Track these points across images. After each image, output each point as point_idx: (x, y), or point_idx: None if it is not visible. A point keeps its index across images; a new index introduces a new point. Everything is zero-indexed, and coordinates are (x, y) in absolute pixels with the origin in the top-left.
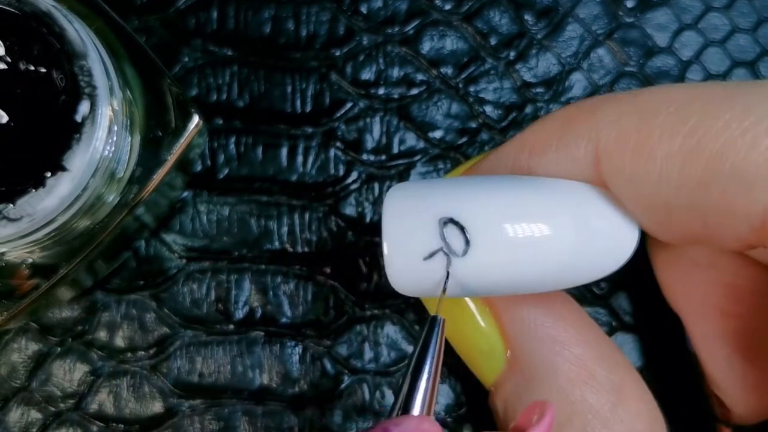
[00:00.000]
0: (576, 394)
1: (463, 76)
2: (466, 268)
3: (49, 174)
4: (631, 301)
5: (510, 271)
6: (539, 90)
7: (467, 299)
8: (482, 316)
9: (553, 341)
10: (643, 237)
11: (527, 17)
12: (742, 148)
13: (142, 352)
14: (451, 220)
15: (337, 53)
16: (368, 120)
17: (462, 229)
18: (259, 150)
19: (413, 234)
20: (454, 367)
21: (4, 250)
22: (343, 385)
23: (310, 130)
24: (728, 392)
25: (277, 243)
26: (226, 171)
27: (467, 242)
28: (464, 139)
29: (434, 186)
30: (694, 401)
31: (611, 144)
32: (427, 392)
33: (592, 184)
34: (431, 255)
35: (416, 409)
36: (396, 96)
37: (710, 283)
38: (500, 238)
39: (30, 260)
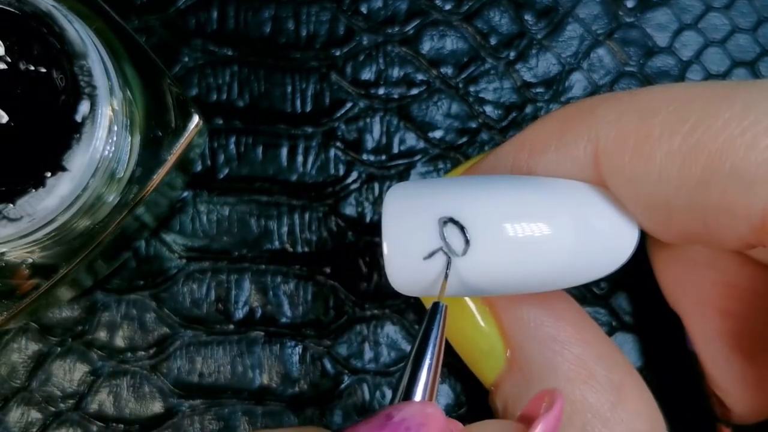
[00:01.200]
0: (576, 394)
1: (463, 76)
2: (466, 267)
3: (49, 174)
4: (631, 301)
5: (510, 271)
6: (539, 90)
7: (467, 299)
8: (482, 315)
9: (553, 340)
10: (643, 237)
11: (527, 17)
12: (741, 147)
13: (142, 352)
14: (451, 220)
15: (337, 53)
16: (368, 120)
17: (462, 228)
18: (259, 150)
19: (413, 233)
20: (454, 367)
21: (4, 250)
22: (343, 385)
23: (310, 130)
24: (728, 391)
25: (277, 243)
26: (226, 171)
27: (467, 242)
28: (464, 139)
29: (434, 186)
30: (694, 401)
31: (611, 143)
32: (429, 378)
33: (592, 183)
34: (431, 254)
35: (418, 395)
36: (396, 96)
37: (710, 283)
38: (500, 238)
39: (30, 260)
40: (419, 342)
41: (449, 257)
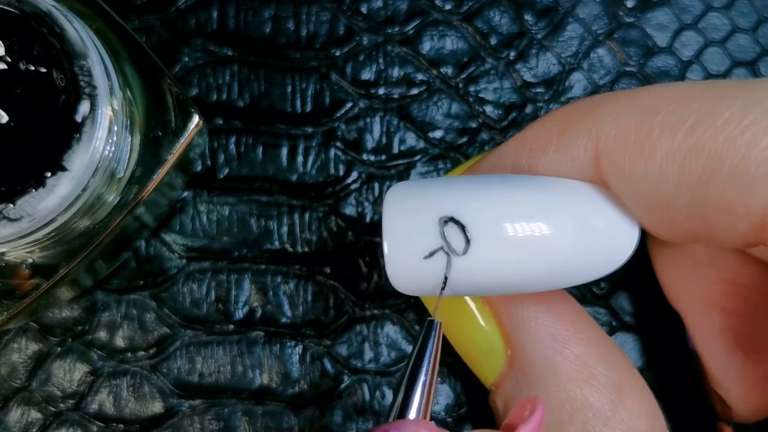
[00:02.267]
0: (576, 393)
1: (463, 75)
2: (467, 266)
3: (49, 174)
4: (631, 301)
5: (510, 270)
6: (539, 90)
7: (467, 298)
8: (482, 315)
9: (554, 340)
10: (644, 236)
11: (527, 17)
12: (741, 146)
13: (142, 352)
14: (452, 219)
15: (337, 53)
16: (368, 120)
17: (462, 228)
18: (259, 150)
19: (413, 233)
20: (454, 367)
21: (4, 250)
22: (343, 385)
23: (310, 130)
24: (729, 390)
25: (277, 243)
26: (226, 171)
27: (467, 241)
28: (464, 139)
29: (434, 185)
30: (695, 400)
31: (611, 142)
32: (424, 395)
33: (592, 183)
34: (431, 254)
35: (413, 413)
36: (396, 96)
37: (711, 281)
38: (500, 237)
39: (30, 260)
40: (414, 359)
41: (450, 256)
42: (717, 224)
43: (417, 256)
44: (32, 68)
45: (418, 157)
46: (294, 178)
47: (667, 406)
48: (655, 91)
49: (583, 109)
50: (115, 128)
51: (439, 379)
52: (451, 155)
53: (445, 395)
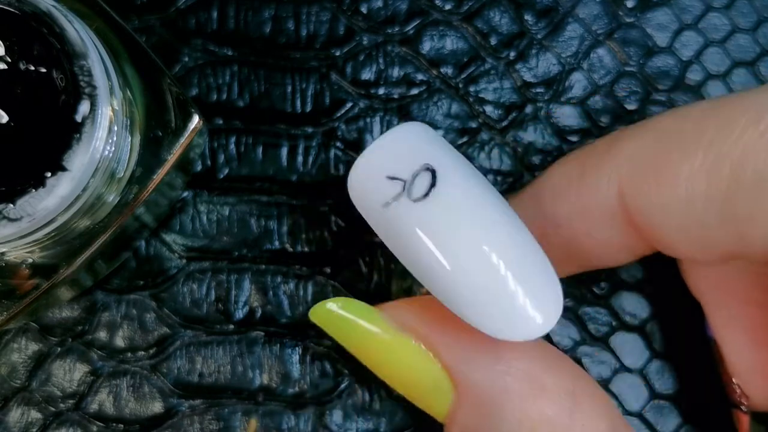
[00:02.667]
0: (532, 410)
1: (463, 76)
2: (422, 211)
3: (49, 174)
4: (631, 301)
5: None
6: (539, 90)
7: (401, 335)
8: (417, 354)
9: (497, 361)
10: None
11: (527, 17)
12: (762, 150)
13: (142, 352)
14: (430, 169)
15: (337, 53)
16: (368, 120)
17: (434, 177)
18: (259, 150)
19: (390, 159)
20: None
21: (4, 250)
22: (343, 385)
23: (310, 130)
24: (748, 379)
25: (277, 243)
26: (226, 171)
27: (427, 193)
28: (464, 139)
29: (441, 144)
30: (697, 400)
31: (634, 177)
32: None
33: (617, 217)
34: (396, 179)
35: None
36: (396, 96)
37: (734, 270)
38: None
39: (30, 260)
40: None
41: (406, 193)
42: (751, 238)
43: (382, 174)
44: (32, 68)
45: None
46: (294, 178)
47: (668, 405)
48: (667, 117)
49: (600, 150)
50: (115, 128)
51: None
52: None
53: None
